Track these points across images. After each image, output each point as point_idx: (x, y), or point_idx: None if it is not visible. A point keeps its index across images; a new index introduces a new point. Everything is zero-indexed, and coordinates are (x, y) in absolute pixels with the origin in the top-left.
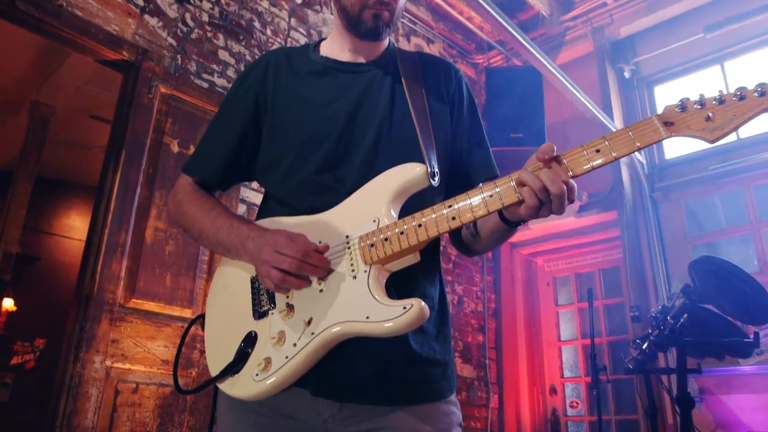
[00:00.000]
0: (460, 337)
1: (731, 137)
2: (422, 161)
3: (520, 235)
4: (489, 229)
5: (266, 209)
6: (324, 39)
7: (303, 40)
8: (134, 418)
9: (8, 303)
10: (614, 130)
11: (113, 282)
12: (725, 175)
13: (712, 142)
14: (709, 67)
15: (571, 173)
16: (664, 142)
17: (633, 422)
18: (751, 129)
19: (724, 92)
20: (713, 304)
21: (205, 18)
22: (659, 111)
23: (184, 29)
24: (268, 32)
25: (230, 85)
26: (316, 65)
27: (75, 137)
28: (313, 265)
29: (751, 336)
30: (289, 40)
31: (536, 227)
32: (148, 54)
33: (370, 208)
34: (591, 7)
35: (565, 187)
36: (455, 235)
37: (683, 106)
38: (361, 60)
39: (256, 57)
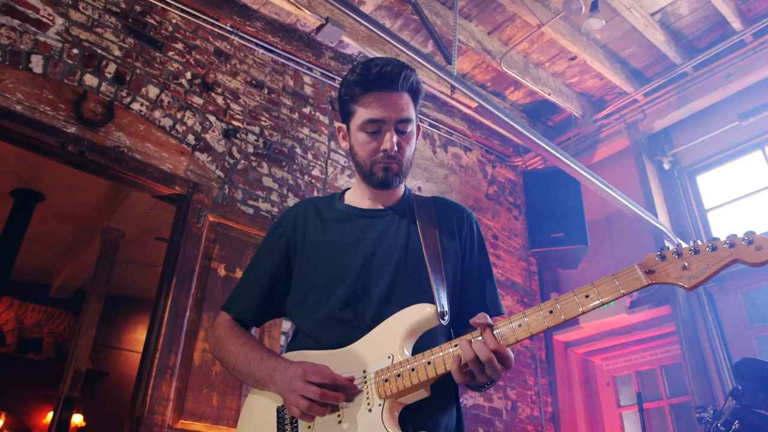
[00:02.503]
0: None
1: None
2: (433, 302)
3: (573, 334)
4: None
5: (295, 343)
6: (348, 189)
7: (343, 160)
8: None
9: (77, 418)
10: (656, 224)
11: (162, 404)
12: None
13: (689, 290)
14: (751, 153)
15: (502, 340)
16: (712, 224)
17: None
18: None
19: (699, 243)
20: (765, 409)
21: (250, 149)
22: (704, 202)
23: (231, 161)
24: (309, 156)
25: (273, 209)
26: (340, 213)
27: (141, 257)
28: (336, 393)
29: None
30: (330, 161)
31: (588, 325)
32: (198, 187)
33: (386, 345)
34: (622, 105)
35: (492, 355)
36: None
37: (662, 255)
38: (380, 206)
39: (298, 180)
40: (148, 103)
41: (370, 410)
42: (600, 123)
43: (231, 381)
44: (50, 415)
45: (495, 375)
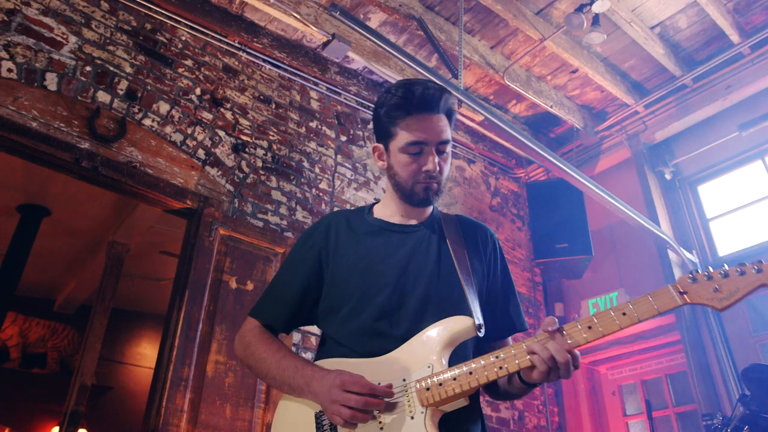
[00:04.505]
0: None
1: None
2: (470, 314)
3: None
4: (508, 384)
5: (325, 350)
6: (376, 203)
7: (349, 174)
8: None
9: None
10: (659, 233)
11: (176, 416)
12: None
13: (721, 310)
14: (751, 162)
15: (571, 342)
16: (715, 233)
17: None
18: None
19: (727, 268)
20: None
21: (259, 163)
22: (706, 212)
23: (241, 175)
24: (317, 170)
25: (282, 222)
26: (372, 226)
27: (146, 271)
28: (377, 400)
29: None
30: (336, 174)
31: None
32: (208, 201)
33: (425, 355)
34: (623, 116)
35: (569, 356)
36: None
37: (694, 278)
38: (411, 222)
39: (306, 194)
40: (159, 119)
41: (412, 418)
42: (601, 135)
43: (244, 393)
44: (54, 430)
45: (567, 375)
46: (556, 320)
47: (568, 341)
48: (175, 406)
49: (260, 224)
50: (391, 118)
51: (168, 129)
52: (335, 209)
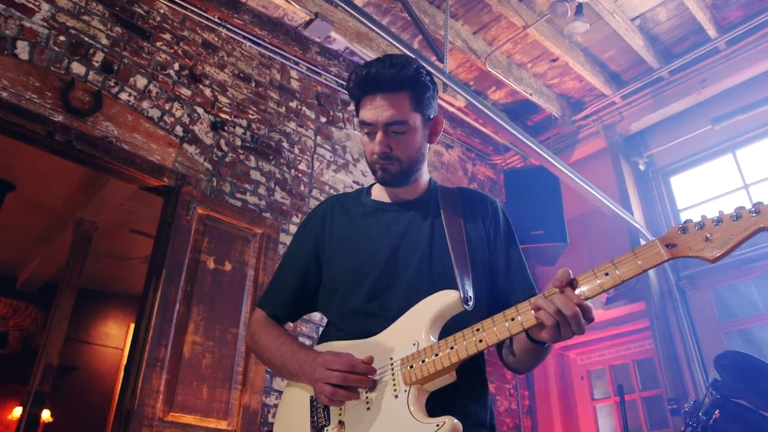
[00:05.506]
0: None
1: None
2: (456, 288)
3: None
4: (522, 349)
5: (324, 334)
6: (375, 183)
7: (329, 156)
8: None
9: (45, 414)
10: (632, 221)
11: (153, 396)
12: (753, 260)
13: (712, 262)
14: (722, 155)
15: (583, 296)
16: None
17: None
18: None
19: (724, 212)
20: (746, 400)
21: (238, 142)
22: (679, 206)
23: (219, 154)
24: (296, 150)
25: (261, 202)
26: (366, 208)
27: (115, 250)
28: (358, 376)
29: None
30: (316, 155)
31: None
32: (186, 179)
33: (411, 333)
34: (600, 107)
35: (578, 308)
36: (500, 356)
37: (684, 228)
38: (405, 199)
39: (285, 174)
40: (136, 94)
41: (396, 396)
42: (578, 124)
43: (221, 374)
44: (16, 410)
45: (580, 330)
46: (569, 272)
47: (580, 295)
48: (151, 387)
49: (239, 204)
50: (354, 99)
51: (145, 104)
52: (313, 191)
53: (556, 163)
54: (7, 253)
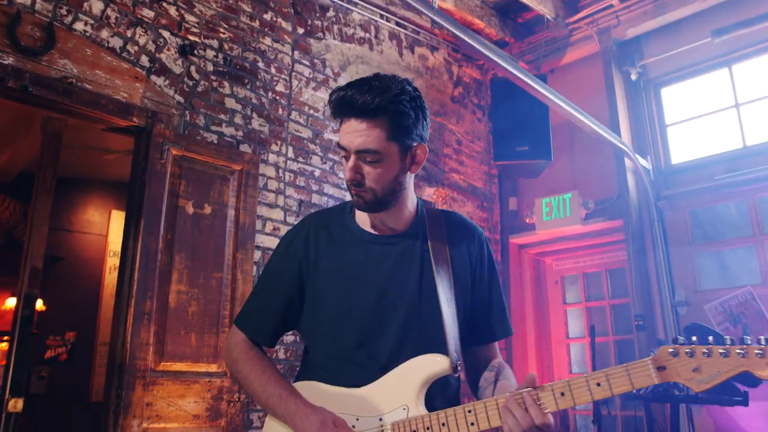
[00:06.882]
0: None
1: (737, 144)
2: (446, 351)
3: (527, 238)
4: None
5: (308, 368)
6: None
7: (307, 72)
8: None
9: (38, 304)
10: (618, 143)
11: (143, 349)
12: (731, 185)
13: (697, 392)
14: (717, 69)
15: (549, 410)
16: (671, 142)
17: (639, 418)
18: (758, 137)
19: (712, 345)
20: None
21: (210, 67)
22: (667, 121)
23: (190, 83)
24: (272, 70)
25: (238, 133)
26: (353, 236)
27: (89, 143)
28: None
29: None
30: (294, 74)
31: (543, 233)
32: (157, 116)
33: (401, 394)
34: (597, 9)
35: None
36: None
37: (676, 352)
38: (392, 229)
39: (262, 98)
40: (92, 22)
41: None
42: (572, 27)
43: (207, 320)
44: (9, 300)
45: None
46: (536, 378)
47: (542, 411)
48: (140, 340)
49: (214, 138)
50: (334, 118)
51: (104, 33)
52: (292, 113)
53: (540, 88)
54: None
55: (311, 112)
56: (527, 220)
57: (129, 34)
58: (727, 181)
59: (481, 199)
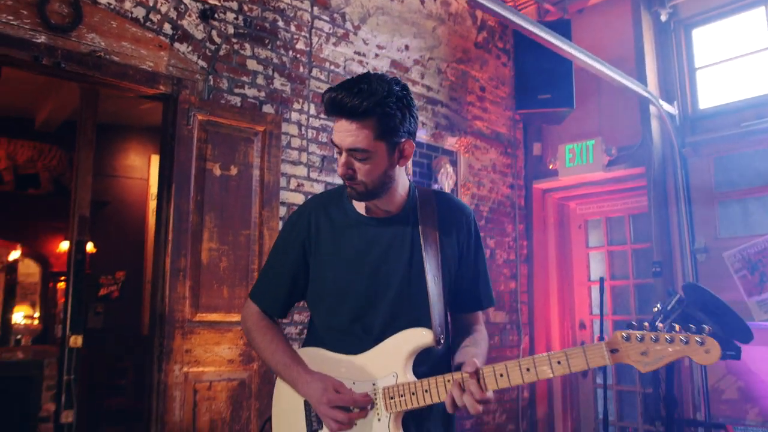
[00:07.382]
0: (493, 288)
1: (765, 89)
2: (431, 325)
3: (552, 183)
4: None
5: (311, 337)
6: None
7: (327, 27)
8: (211, 409)
9: (89, 246)
10: (642, 92)
11: (180, 302)
12: (760, 132)
13: (644, 373)
14: (753, 8)
15: (490, 391)
16: (699, 86)
17: None
18: None
19: (660, 331)
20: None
21: (231, 30)
22: (696, 65)
23: (212, 48)
24: (292, 28)
25: (260, 94)
26: (349, 218)
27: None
28: (359, 414)
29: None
30: (314, 30)
31: (566, 179)
32: (182, 82)
33: (391, 362)
34: None
35: (480, 408)
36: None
37: (627, 336)
38: (386, 211)
39: (283, 58)
40: None
41: (379, 420)
42: None
43: (238, 274)
44: (63, 244)
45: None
46: (476, 362)
47: (483, 391)
48: (177, 294)
49: (238, 100)
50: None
51: (127, 4)
52: (313, 71)
53: (557, 41)
54: (19, 99)
55: (332, 68)
56: (550, 166)
57: (151, 2)
58: (756, 127)
59: (504, 145)
